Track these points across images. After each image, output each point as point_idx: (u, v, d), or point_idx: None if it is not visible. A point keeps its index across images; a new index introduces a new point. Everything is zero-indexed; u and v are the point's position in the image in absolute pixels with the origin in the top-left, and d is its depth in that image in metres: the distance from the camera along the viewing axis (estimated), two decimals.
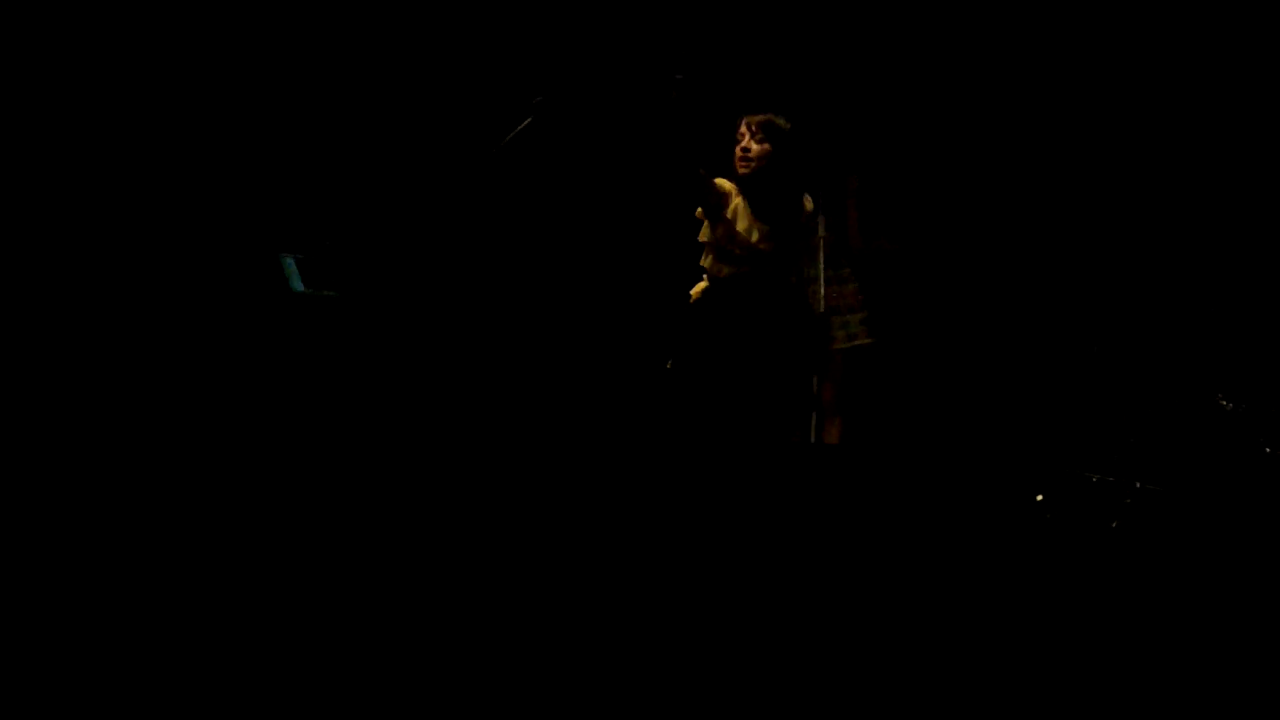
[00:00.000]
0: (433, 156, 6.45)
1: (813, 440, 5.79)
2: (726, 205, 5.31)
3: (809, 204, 5.45)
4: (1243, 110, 6.52)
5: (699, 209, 5.36)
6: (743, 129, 5.34)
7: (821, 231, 5.94)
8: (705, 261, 5.41)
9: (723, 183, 5.33)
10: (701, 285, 5.43)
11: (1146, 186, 6.67)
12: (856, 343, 6.05)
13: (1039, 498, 5.79)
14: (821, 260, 5.88)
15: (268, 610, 4.03)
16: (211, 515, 4.45)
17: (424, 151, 6.49)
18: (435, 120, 6.53)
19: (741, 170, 5.31)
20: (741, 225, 5.27)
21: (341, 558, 4.30)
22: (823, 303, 5.86)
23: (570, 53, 6.22)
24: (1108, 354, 6.45)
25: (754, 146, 5.29)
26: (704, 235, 5.39)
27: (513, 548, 4.40)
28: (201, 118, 6.25)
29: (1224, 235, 6.51)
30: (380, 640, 3.93)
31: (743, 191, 5.32)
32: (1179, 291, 6.59)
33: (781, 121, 5.33)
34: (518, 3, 6.64)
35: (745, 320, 5.30)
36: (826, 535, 4.65)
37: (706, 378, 5.29)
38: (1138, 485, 5.68)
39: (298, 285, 6.11)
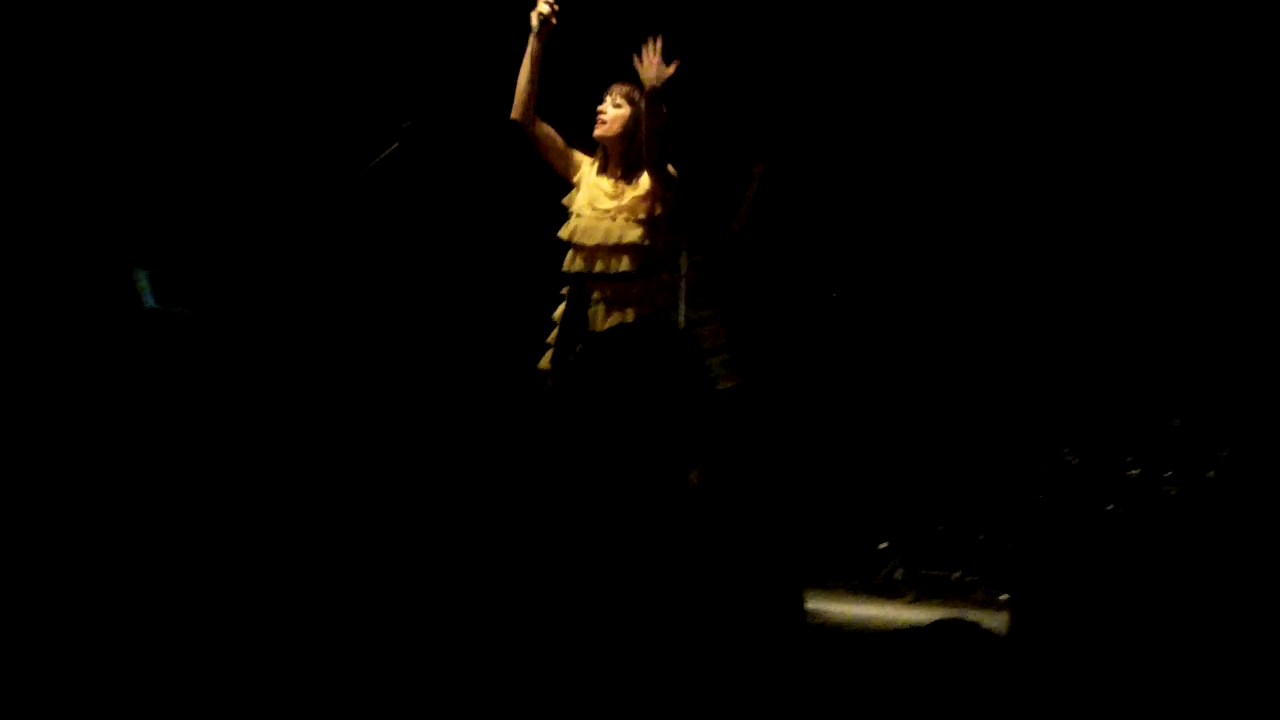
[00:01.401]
0: (297, 177, 6.08)
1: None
2: (576, 173, 5.16)
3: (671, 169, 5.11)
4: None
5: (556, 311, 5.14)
6: (605, 97, 5.09)
7: (684, 269, 5.60)
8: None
9: (579, 155, 5.17)
10: (546, 358, 5.35)
11: (1014, 232, 6.44)
12: (719, 387, 5.88)
13: (883, 545, 6.06)
14: (682, 301, 5.61)
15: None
16: (48, 530, 4.47)
17: (288, 172, 6.19)
18: (300, 141, 6.25)
19: (595, 133, 5.10)
20: (584, 191, 5.11)
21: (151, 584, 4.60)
22: None
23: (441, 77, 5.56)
24: (959, 404, 6.26)
25: (610, 110, 5.07)
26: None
27: (361, 582, 4.78)
28: (61, 129, 5.99)
29: (1081, 288, 6.28)
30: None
31: (599, 159, 5.13)
32: (1033, 345, 6.29)
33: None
34: (391, 24, 6.32)
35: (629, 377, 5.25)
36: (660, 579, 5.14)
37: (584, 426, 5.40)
38: (980, 538, 5.92)
39: (150, 301, 6.10)
